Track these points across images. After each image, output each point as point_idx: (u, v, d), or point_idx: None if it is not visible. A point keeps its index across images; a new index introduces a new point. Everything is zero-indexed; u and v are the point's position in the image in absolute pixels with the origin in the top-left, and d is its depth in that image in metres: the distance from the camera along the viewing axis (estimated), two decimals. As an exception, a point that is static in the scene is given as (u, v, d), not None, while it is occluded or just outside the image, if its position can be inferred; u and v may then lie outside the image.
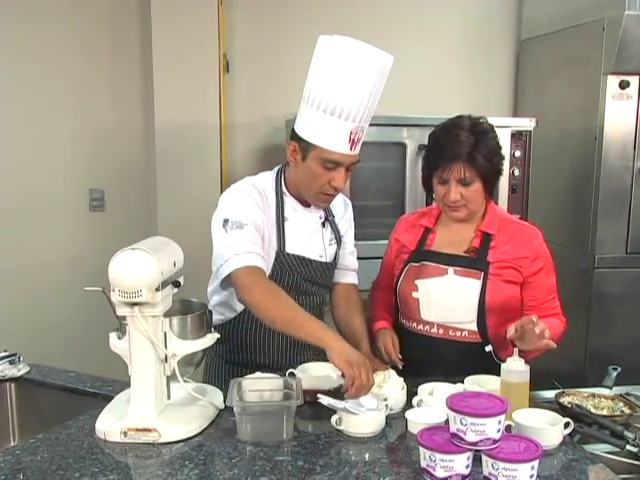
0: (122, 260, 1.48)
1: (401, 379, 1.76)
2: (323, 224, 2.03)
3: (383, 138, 3.09)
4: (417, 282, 1.99)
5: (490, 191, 1.99)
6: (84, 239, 3.53)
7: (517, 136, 3.19)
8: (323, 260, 2.03)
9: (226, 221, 1.85)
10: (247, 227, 1.84)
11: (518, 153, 3.20)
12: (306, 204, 1.99)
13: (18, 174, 3.41)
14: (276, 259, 1.94)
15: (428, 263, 2.01)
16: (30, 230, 3.45)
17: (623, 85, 3.06)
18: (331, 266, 2.07)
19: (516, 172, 3.22)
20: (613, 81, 3.07)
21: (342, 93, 1.77)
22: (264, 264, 1.85)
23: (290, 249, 1.95)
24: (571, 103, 3.37)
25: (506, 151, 3.17)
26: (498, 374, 1.66)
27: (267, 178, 2.00)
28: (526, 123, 3.22)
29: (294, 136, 1.89)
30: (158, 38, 3.32)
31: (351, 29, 3.60)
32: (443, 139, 1.93)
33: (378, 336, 2.06)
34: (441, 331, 1.97)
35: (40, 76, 3.38)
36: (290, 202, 1.97)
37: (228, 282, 1.84)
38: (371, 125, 3.04)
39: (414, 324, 2.02)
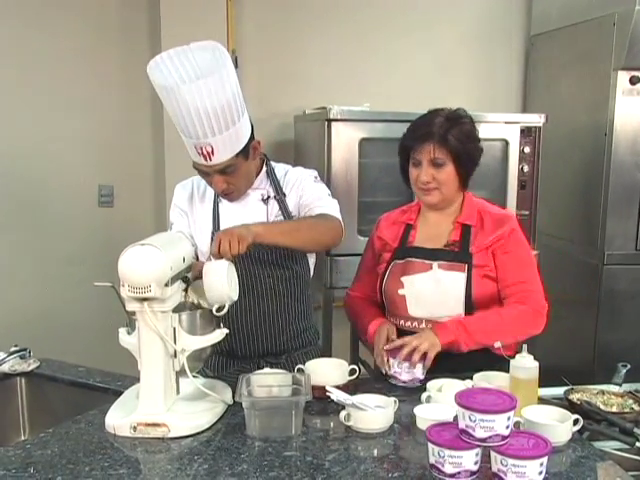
0: (132, 255, 1.49)
1: None
2: (265, 201, 2.06)
3: (391, 134, 3.07)
4: (403, 279, 1.99)
5: (464, 179, 1.99)
6: (93, 235, 3.55)
7: (526, 132, 3.18)
8: None
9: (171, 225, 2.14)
10: (173, 226, 2.14)
11: (527, 149, 3.19)
12: None
13: (27, 170, 3.42)
14: (212, 239, 1.95)
15: (413, 259, 2.00)
16: (39, 225, 3.47)
17: (634, 81, 3.04)
18: None
19: (525, 168, 3.20)
20: (623, 77, 3.05)
21: (173, 114, 1.82)
22: None
23: (224, 226, 1.99)
24: (581, 99, 3.36)
25: (515, 147, 3.17)
26: (504, 370, 1.67)
27: None
28: (535, 119, 3.20)
29: None
30: (167, 34, 3.32)
31: (360, 25, 3.66)
32: (418, 123, 1.99)
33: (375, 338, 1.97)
34: (429, 326, 1.96)
35: (49, 72, 3.39)
36: None
37: None
38: (378, 121, 3.09)
39: (401, 321, 2.01)
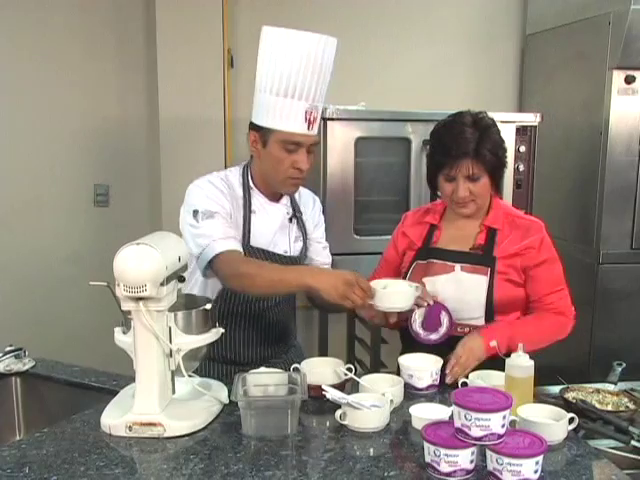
0: (127, 255, 1.48)
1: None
2: (290, 220, 2.03)
3: (387, 133, 3.09)
4: (424, 280, 1.97)
5: (497, 185, 1.99)
6: (89, 234, 3.55)
7: (522, 131, 3.19)
8: (288, 255, 2.02)
9: (196, 212, 1.87)
10: (217, 215, 1.87)
11: (523, 148, 3.20)
12: (273, 199, 2.01)
13: (23, 169, 3.42)
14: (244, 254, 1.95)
15: (435, 261, 1.99)
16: (35, 225, 3.47)
17: (629, 80, 3.05)
18: (297, 261, 2.04)
19: (521, 167, 3.21)
20: (618, 76, 3.06)
21: (293, 74, 1.81)
22: (241, 248, 1.88)
23: (255, 243, 1.96)
24: (576, 98, 3.36)
25: (511, 146, 3.17)
26: (500, 369, 1.67)
27: (234, 172, 2.02)
28: (531, 118, 3.21)
29: (252, 127, 1.93)
30: (162, 33, 3.32)
31: (356, 24, 3.66)
32: (447, 137, 1.92)
33: None
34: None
35: (44, 71, 3.39)
36: (257, 196, 1.99)
37: (209, 270, 1.88)
38: (375, 120, 3.09)
39: None
